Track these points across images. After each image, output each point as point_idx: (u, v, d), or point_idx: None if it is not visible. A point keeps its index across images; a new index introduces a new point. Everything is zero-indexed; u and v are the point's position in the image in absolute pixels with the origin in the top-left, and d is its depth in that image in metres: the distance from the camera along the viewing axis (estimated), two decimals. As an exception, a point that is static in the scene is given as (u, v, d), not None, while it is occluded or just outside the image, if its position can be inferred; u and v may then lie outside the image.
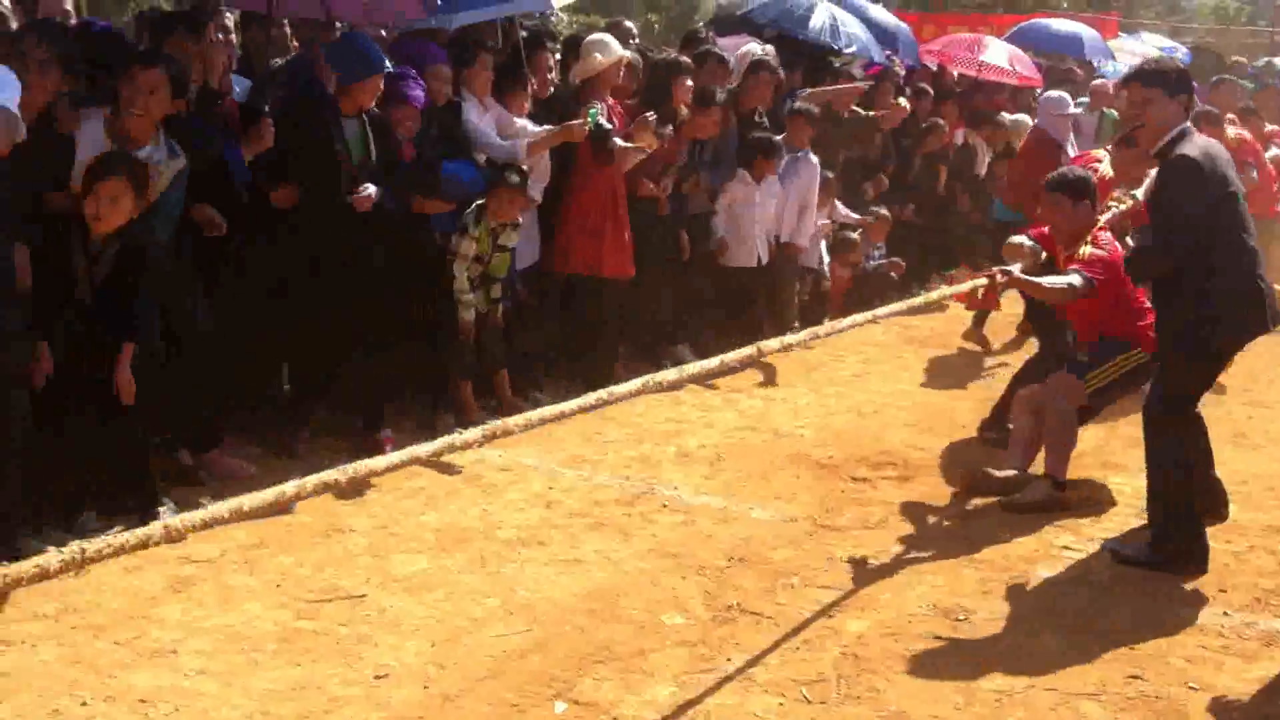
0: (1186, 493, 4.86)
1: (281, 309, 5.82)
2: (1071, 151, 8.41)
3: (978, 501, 5.58)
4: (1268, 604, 4.55)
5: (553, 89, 7.35)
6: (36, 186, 4.73)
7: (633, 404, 6.97)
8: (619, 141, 7.02)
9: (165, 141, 5.03)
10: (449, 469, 5.69)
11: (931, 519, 5.42)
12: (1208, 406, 5.37)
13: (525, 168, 6.56)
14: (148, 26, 6.21)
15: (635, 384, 3.87)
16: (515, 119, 6.77)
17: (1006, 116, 11.42)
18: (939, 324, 9.50)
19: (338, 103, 5.74)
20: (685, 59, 7.67)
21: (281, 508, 4.11)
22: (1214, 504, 5.34)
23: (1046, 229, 5.79)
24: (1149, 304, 5.65)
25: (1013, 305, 7.92)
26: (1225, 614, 4.46)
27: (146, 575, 4.48)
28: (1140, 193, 7.09)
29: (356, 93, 5.76)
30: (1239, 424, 6.70)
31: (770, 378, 7.72)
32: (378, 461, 3.24)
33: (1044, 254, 5.79)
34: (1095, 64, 14.03)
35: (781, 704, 3.76)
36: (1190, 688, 3.93)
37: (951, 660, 4.08)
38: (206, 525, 2.77)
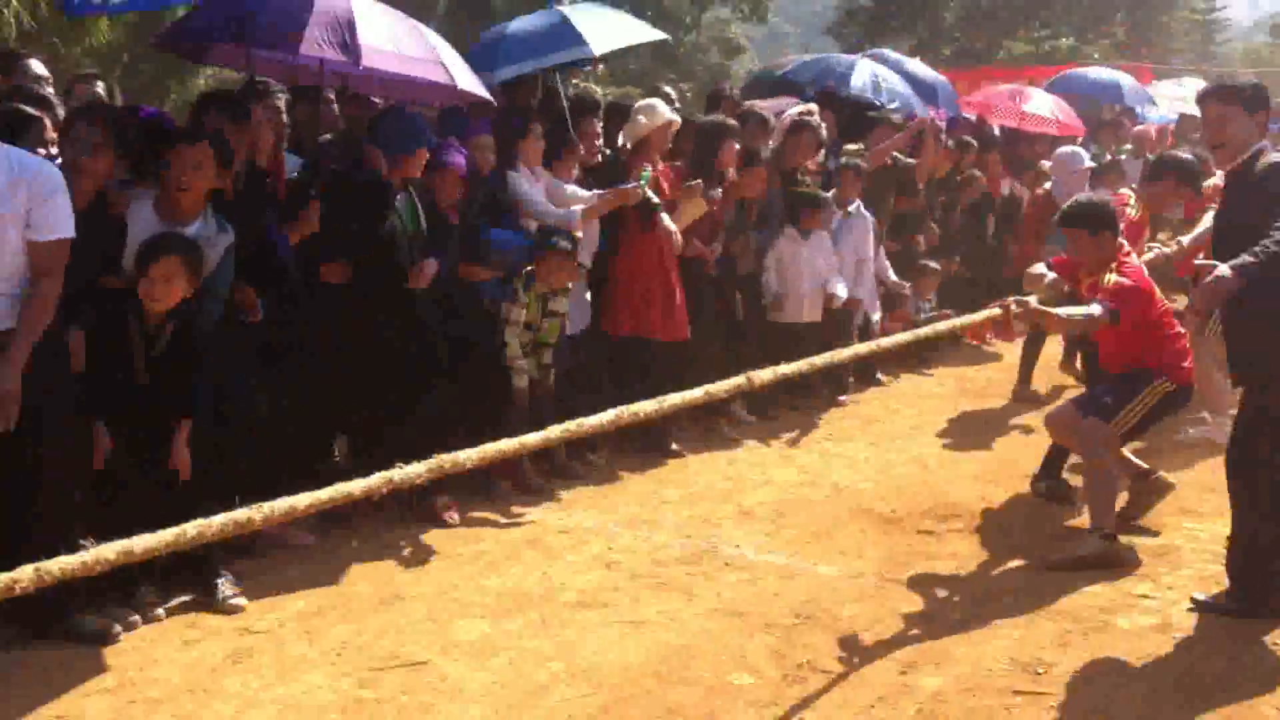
0: (1273, 535, 4.69)
1: (336, 380, 5.79)
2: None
3: (1047, 552, 5.43)
4: (1360, 648, 4.38)
5: (600, 156, 7.36)
6: (90, 269, 4.74)
7: (686, 463, 6.92)
8: (666, 219, 7.04)
9: (214, 217, 5.05)
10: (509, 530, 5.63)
11: (1001, 570, 5.28)
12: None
13: (578, 234, 6.55)
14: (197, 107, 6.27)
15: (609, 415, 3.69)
16: (565, 185, 6.78)
17: (1046, 163, 11.36)
18: (995, 374, 9.40)
19: (390, 178, 5.77)
20: (731, 121, 7.68)
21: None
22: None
23: (1066, 258, 5.67)
24: (1177, 329, 5.54)
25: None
26: (1317, 662, 4.29)
27: (205, 646, 4.43)
28: (1188, 238, 7.00)
29: (404, 166, 5.79)
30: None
31: (828, 433, 7.61)
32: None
33: (1066, 285, 5.68)
34: (1137, 110, 13.95)
35: (861, 764, 3.64)
36: (1288, 738, 3.77)
37: (1034, 716, 3.94)
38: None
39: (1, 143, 4.27)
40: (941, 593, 5.01)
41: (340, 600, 4.89)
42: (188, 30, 6.48)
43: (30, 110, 5.04)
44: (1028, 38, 35.86)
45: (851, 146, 9.18)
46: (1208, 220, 6.53)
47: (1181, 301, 7.47)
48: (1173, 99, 15.51)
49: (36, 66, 6.30)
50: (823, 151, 8.82)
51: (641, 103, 7.59)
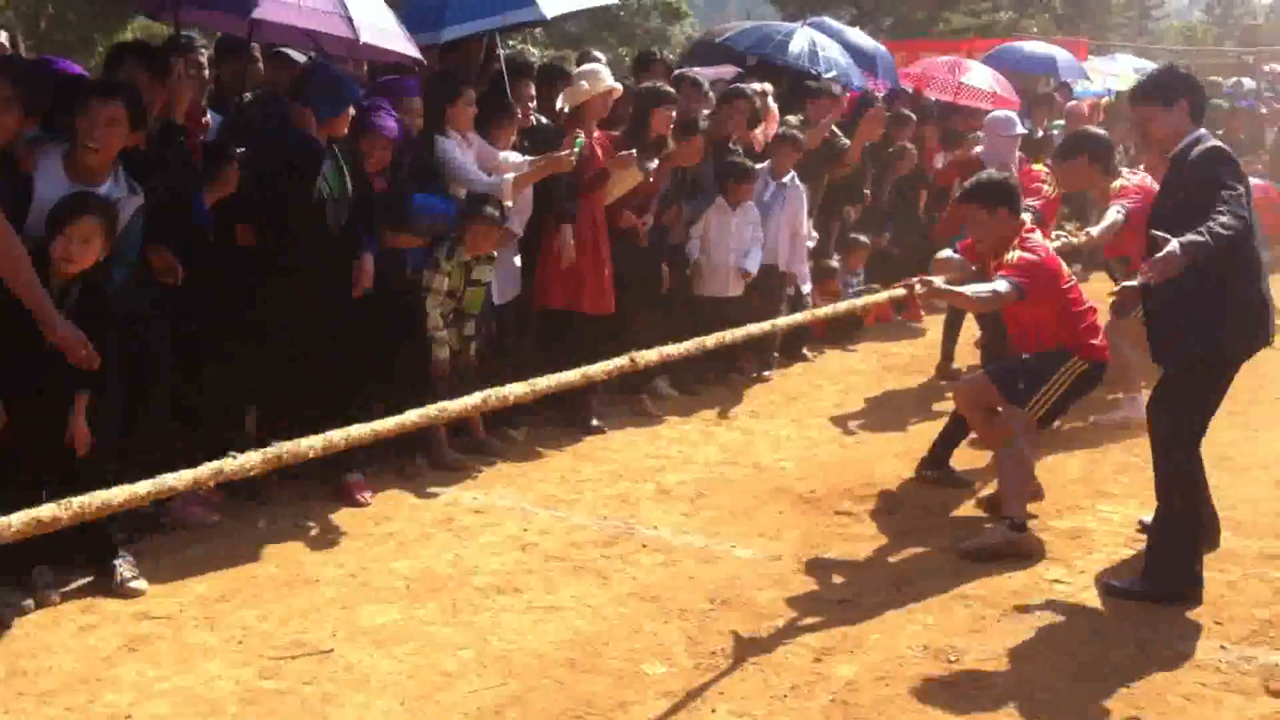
0: (1193, 520, 4.73)
1: (247, 349, 5.64)
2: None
3: (963, 533, 5.42)
4: (1265, 636, 4.40)
5: (533, 120, 7.20)
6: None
7: (608, 440, 6.84)
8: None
9: (124, 177, 4.86)
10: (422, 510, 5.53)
11: (919, 552, 5.26)
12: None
13: (508, 202, 6.43)
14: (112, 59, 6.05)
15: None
16: (499, 152, 6.64)
17: (979, 134, 11.36)
18: (919, 350, 9.41)
19: (320, 139, 5.61)
20: (668, 88, 7.55)
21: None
22: (1206, 532, 5.22)
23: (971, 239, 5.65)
24: (1088, 305, 5.52)
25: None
26: (1223, 648, 4.31)
27: (101, 633, 4.29)
28: (1096, 229, 7.02)
29: (331, 125, 5.63)
30: (1222, 447, 6.53)
31: (752, 409, 7.57)
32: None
33: (974, 266, 5.65)
34: (1071, 85, 14.02)
35: (769, 757, 3.60)
36: (1193, 728, 3.79)
37: (945, 704, 3.91)
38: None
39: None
40: (858, 576, 4.99)
41: (244, 583, 4.77)
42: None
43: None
44: (968, 10, 35.94)
45: (791, 118, 9.11)
46: (1113, 214, 6.56)
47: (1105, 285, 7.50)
48: (1106, 74, 15.62)
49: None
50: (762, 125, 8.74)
51: (584, 67, 7.45)
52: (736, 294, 8.12)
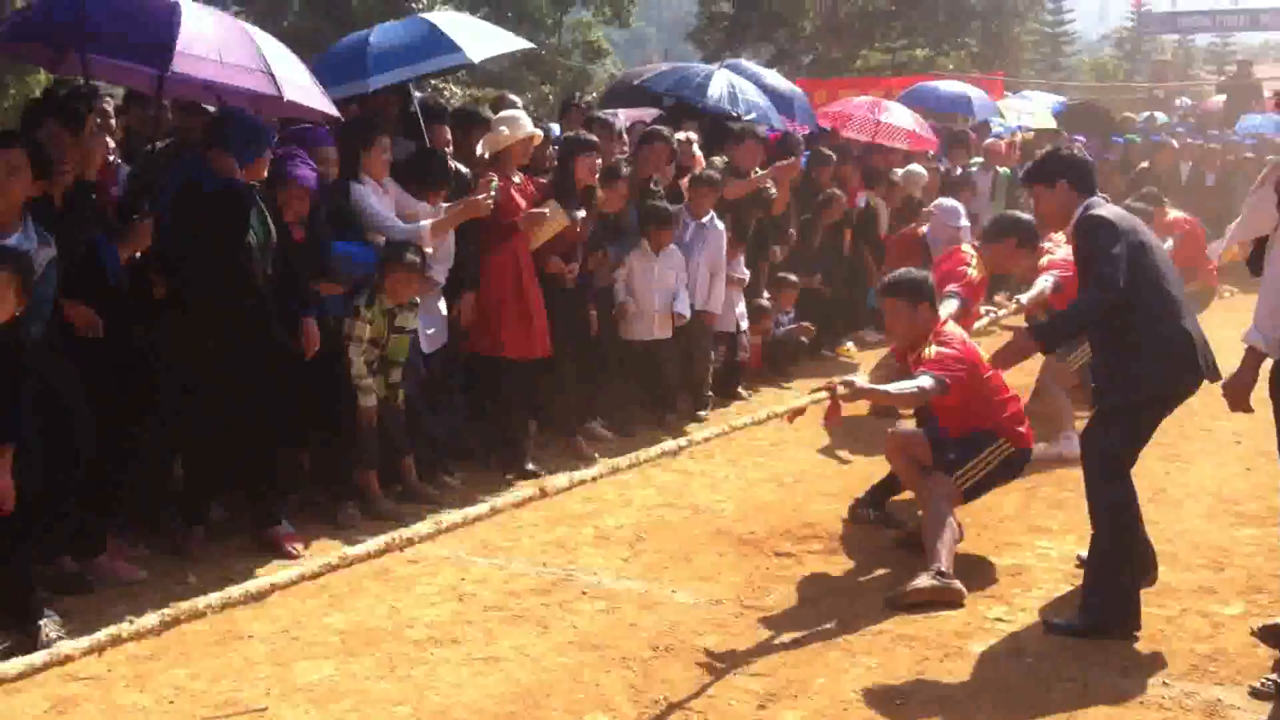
0: (1128, 552, 4.77)
1: (172, 400, 5.49)
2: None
3: (904, 573, 5.40)
4: (1206, 671, 4.43)
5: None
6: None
7: (542, 483, 6.77)
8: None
9: (34, 228, 4.72)
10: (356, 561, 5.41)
11: (860, 593, 5.24)
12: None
13: (428, 249, 6.36)
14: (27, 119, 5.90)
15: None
16: (416, 200, 6.58)
17: (898, 171, 11.54)
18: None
19: (247, 184, 5.51)
20: (590, 137, 7.53)
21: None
22: (1144, 566, 5.27)
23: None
24: (1010, 394, 5.65)
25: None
26: (1165, 684, 4.33)
27: (26, 697, 4.13)
28: (1025, 297, 7.21)
29: (251, 170, 5.53)
30: (1158, 480, 6.65)
31: (689, 450, 7.54)
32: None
33: (897, 362, 5.80)
34: (990, 124, 14.27)
35: (719, 809, 3.54)
36: (1139, 766, 3.79)
37: (892, 749, 3.89)
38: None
39: None
40: (800, 618, 4.95)
41: (174, 641, 4.62)
42: (19, 31, 6.08)
43: None
44: (884, 48, 36.60)
45: (716, 160, 9.15)
46: (1041, 283, 6.87)
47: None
48: (1020, 112, 15.91)
49: None
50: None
51: (504, 113, 7.41)
52: (664, 337, 8.10)
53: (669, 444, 7.53)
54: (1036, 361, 6.82)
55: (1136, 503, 4.85)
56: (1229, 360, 4.67)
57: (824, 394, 5.02)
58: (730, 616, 4.96)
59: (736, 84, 9.78)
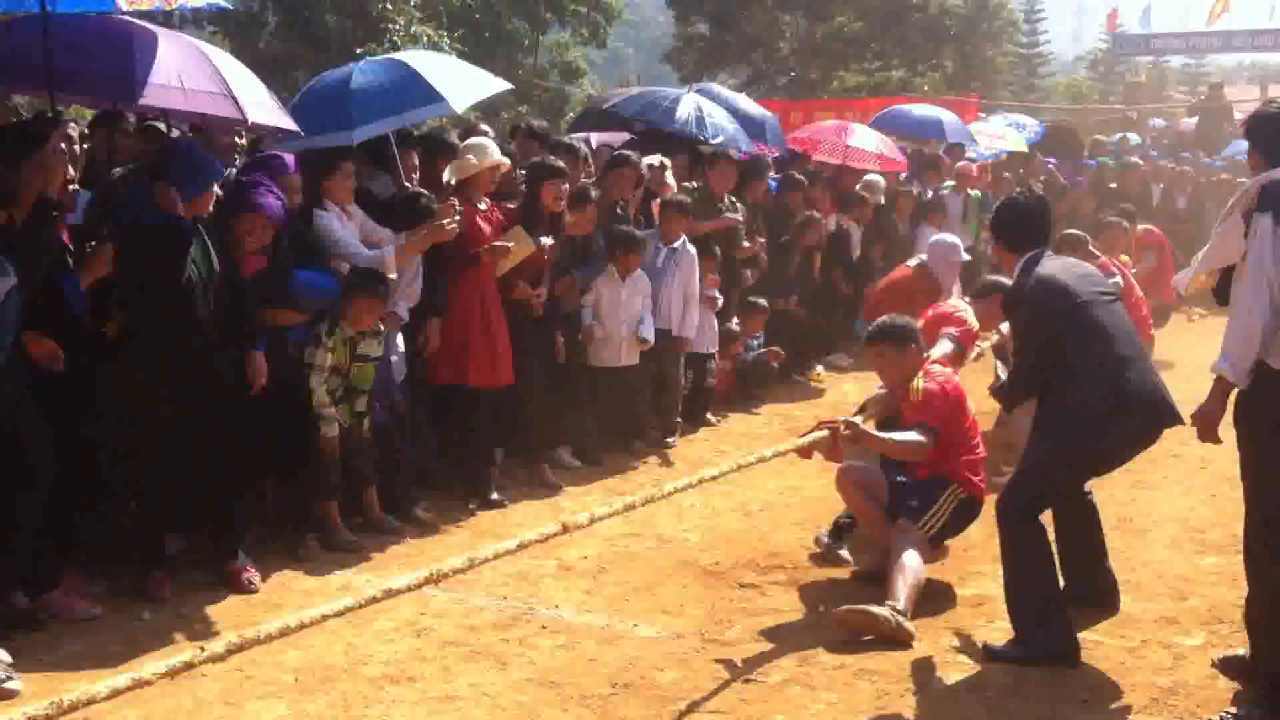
0: (1044, 581, 4.80)
1: (129, 434, 5.43)
2: (954, 295, 8.66)
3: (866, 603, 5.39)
4: (1166, 704, 4.41)
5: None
6: None
7: (509, 514, 6.73)
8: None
9: (-7, 258, 4.66)
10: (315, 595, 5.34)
11: (822, 625, 5.20)
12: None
13: (391, 275, 6.32)
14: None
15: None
16: (379, 227, 6.54)
17: (864, 179, 11.56)
18: (822, 412, 9.35)
19: (188, 220, 5.45)
20: (557, 163, 7.50)
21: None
22: (1105, 596, 5.27)
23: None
24: (980, 449, 5.71)
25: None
26: (1126, 718, 4.31)
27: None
28: (1006, 327, 7.24)
29: (196, 204, 5.47)
30: (1124, 507, 6.65)
31: (655, 478, 7.50)
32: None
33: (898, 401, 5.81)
34: (964, 147, 14.32)
35: None
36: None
37: (850, 788, 3.86)
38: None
39: None
40: (762, 652, 4.91)
41: (124, 679, 4.53)
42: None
43: None
44: (860, 69, 36.75)
45: (687, 184, 9.15)
46: (942, 346, 6.86)
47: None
48: (991, 135, 15.98)
49: None
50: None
51: (471, 141, 7.37)
52: (632, 363, 8.08)
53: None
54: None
55: (1046, 540, 4.87)
56: (1202, 385, 4.61)
57: (825, 432, 5.19)
58: (691, 651, 4.92)
59: (704, 107, 9.79)
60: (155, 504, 5.49)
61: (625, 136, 10.01)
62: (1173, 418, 4.77)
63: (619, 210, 8.25)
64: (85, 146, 6.79)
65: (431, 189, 7.07)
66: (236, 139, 7.09)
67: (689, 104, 9.73)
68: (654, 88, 11.58)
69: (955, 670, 4.73)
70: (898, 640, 4.95)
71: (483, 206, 7.07)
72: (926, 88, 32.32)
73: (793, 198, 10.57)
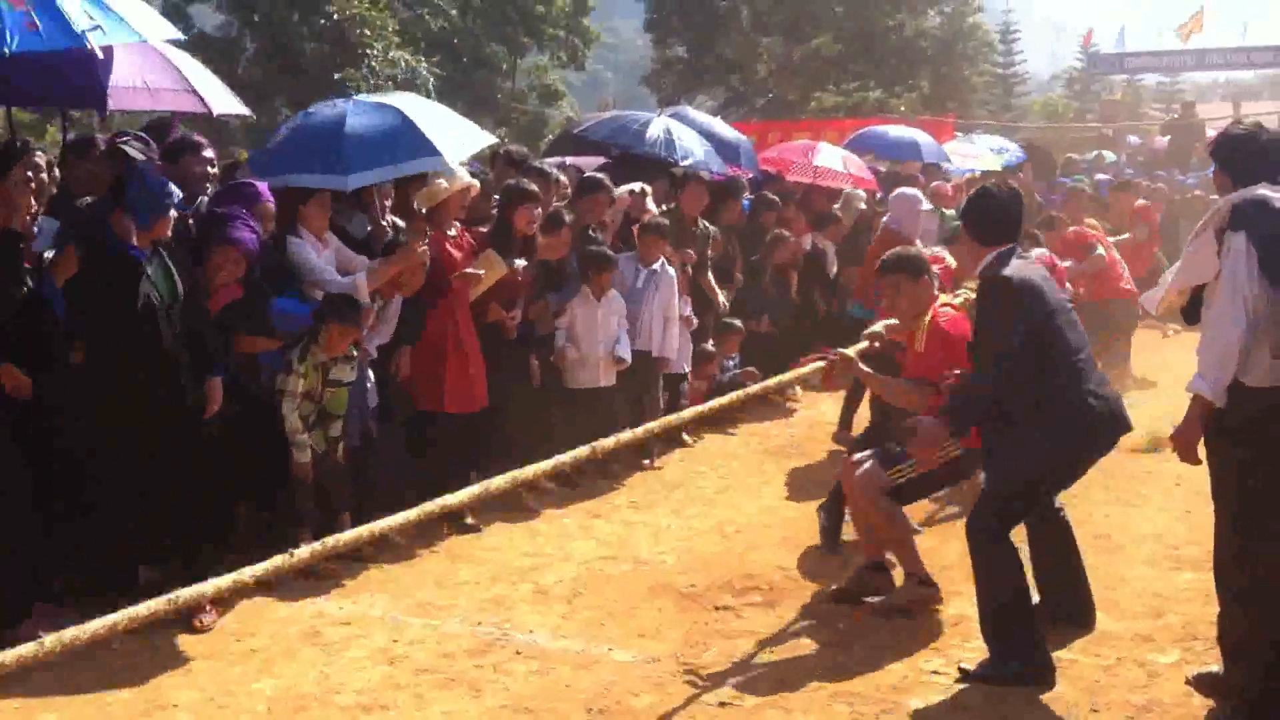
0: (1018, 600, 4.79)
1: (95, 459, 5.38)
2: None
3: (842, 625, 5.38)
4: (1141, 723, 4.42)
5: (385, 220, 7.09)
6: None
7: (483, 538, 6.70)
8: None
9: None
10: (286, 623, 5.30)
11: (799, 647, 5.20)
12: (1066, 507, 5.33)
13: (365, 300, 6.30)
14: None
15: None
16: (355, 255, 6.53)
17: (844, 194, 11.59)
18: (798, 432, 9.42)
19: (140, 245, 5.42)
20: (530, 187, 7.50)
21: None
22: (1080, 613, 5.26)
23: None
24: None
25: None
26: (1101, 736, 4.31)
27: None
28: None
29: (153, 230, 5.44)
30: (1100, 525, 6.66)
31: (632, 500, 7.49)
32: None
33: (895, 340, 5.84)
34: (939, 166, 14.38)
35: None
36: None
37: (825, 812, 3.84)
38: None
39: None
40: (738, 676, 4.89)
41: (96, 711, 4.52)
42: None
43: None
44: (838, 90, 36.94)
45: (663, 207, 9.16)
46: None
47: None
48: (966, 156, 16.04)
49: None
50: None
51: None
52: (609, 384, 8.07)
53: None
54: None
55: (1017, 558, 4.87)
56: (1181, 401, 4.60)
57: (821, 361, 5.35)
58: (667, 675, 4.89)
59: (674, 130, 9.83)
60: (126, 532, 5.44)
61: (598, 160, 10.04)
62: (1127, 426, 4.81)
63: (591, 233, 8.25)
64: (58, 173, 6.78)
65: (405, 217, 7.07)
66: (209, 168, 7.07)
67: (658, 126, 9.80)
68: (626, 112, 11.63)
69: (932, 691, 4.72)
70: (932, 604, 5.30)
71: (453, 233, 7.07)
72: (903, 108, 32.50)
73: (766, 218, 10.60)
